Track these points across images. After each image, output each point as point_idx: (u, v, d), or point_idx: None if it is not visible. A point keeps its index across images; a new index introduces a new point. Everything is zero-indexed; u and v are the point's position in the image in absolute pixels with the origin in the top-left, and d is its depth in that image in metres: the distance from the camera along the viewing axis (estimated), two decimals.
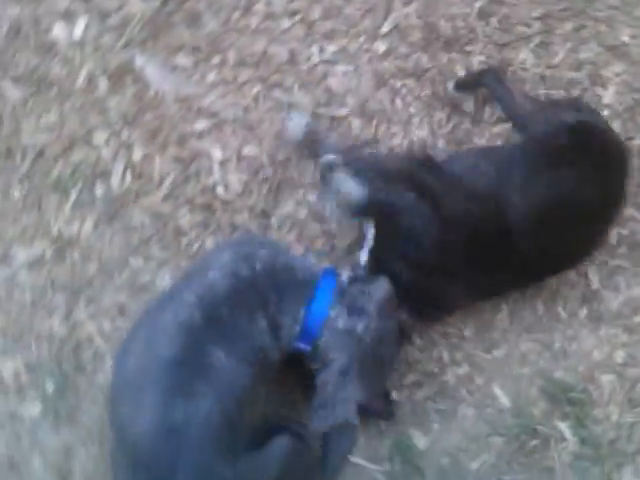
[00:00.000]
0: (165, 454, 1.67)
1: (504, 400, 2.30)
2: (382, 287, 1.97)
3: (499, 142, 2.39)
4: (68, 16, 2.38)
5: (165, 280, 2.27)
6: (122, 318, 2.26)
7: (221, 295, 1.81)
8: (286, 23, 2.44)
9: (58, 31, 2.36)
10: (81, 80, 2.36)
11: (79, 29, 2.37)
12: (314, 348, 1.91)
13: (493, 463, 2.24)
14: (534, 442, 2.25)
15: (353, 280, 2.00)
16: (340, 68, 2.42)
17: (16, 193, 2.28)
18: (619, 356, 2.32)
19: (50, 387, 2.20)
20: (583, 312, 2.35)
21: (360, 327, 1.89)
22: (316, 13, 2.46)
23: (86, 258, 2.29)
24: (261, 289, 1.85)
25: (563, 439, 2.25)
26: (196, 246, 2.29)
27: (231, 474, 1.72)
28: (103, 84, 2.36)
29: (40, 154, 2.32)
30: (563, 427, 2.26)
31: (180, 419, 1.69)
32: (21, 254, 2.27)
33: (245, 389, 1.82)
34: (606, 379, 2.30)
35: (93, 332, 2.24)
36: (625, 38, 2.51)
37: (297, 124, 2.29)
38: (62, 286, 2.28)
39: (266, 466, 1.78)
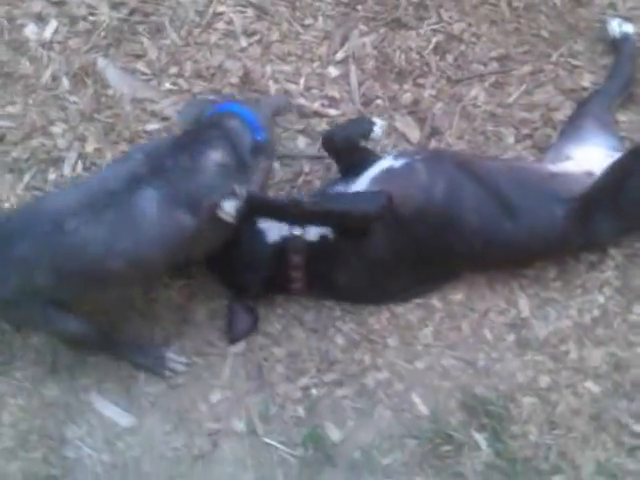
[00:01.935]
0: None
1: (422, 408, 3.44)
2: None
3: None
4: (40, 19, 3.94)
5: None
6: None
7: (166, 148, 3.22)
8: (244, 42, 3.95)
9: (30, 32, 3.91)
10: (46, 78, 3.90)
11: (49, 32, 3.93)
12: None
13: (405, 462, 3.33)
14: (447, 447, 3.33)
15: None
16: (292, 87, 3.96)
17: None
18: (543, 381, 3.44)
19: None
20: (510, 337, 3.53)
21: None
22: (274, 36, 3.96)
23: None
24: (202, 134, 3.29)
25: (477, 448, 3.33)
26: None
27: None
28: (65, 83, 3.86)
29: (0, 139, 3.83)
30: (479, 437, 3.35)
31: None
32: None
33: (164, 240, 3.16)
34: (528, 401, 3.41)
35: None
36: (585, 83, 3.87)
37: None
38: None
39: None
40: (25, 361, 3.58)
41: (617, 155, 3.47)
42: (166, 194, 3.10)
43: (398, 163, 3.52)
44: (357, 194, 3.49)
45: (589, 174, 3.47)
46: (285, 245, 3.52)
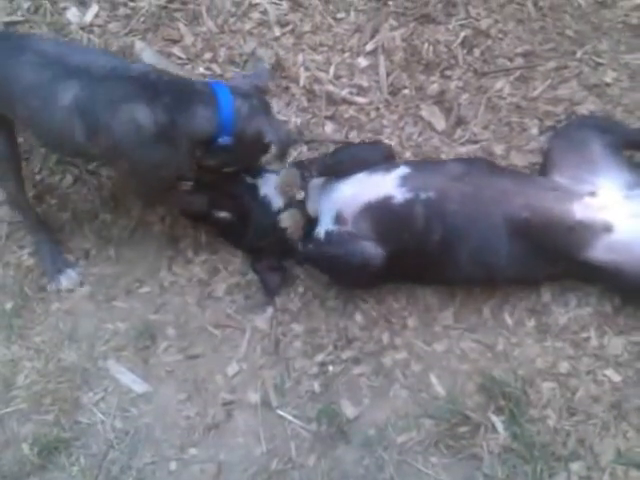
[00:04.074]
0: None
1: (439, 389, 3.00)
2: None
3: None
4: (82, 3, 3.51)
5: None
6: (86, 261, 3.25)
7: (129, 71, 2.73)
8: (277, 31, 3.48)
9: (72, 15, 3.46)
10: None
11: (90, 15, 3.49)
12: (236, 138, 2.78)
13: (420, 441, 2.92)
14: (464, 428, 2.92)
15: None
16: (322, 75, 3.45)
17: None
18: (563, 367, 3.00)
19: (8, 305, 3.17)
20: (531, 323, 3.08)
21: (255, 101, 2.84)
22: (307, 27, 3.49)
23: (61, 206, 3.33)
24: (153, 86, 2.71)
25: (494, 431, 2.91)
26: None
27: None
28: None
29: None
30: (496, 420, 2.92)
31: None
32: (2, 196, 3.27)
33: None
34: (547, 385, 2.98)
35: None
36: (608, 80, 3.39)
37: None
38: None
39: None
40: (45, 326, 3.21)
41: (634, 193, 2.97)
42: (81, 99, 2.66)
43: (400, 197, 2.97)
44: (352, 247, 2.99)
45: (607, 228, 2.93)
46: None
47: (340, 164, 3.09)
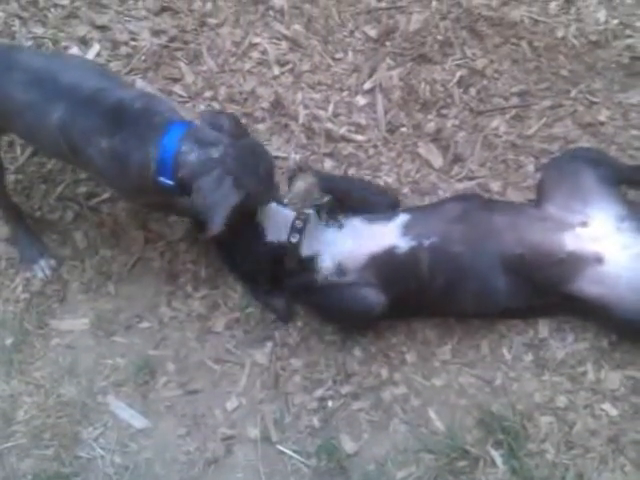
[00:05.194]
0: None
1: (438, 424, 2.95)
2: (227, 117, 2.70)
3: None
4: (84, 42, 3.48)
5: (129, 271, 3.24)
6: (85, 295, 3.21)
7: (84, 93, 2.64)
8: (277, 70, 3.46)
9: (73, 53, 3.44)
10: None
11: (91, 54, 3.45)
12: (178, 182, 2.58)
13: (419, 476, 2.86)
14: (463, 463, 2.86)
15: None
16: (321, 113, 3.43)
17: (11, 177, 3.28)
18: (560, 401, 2.96)
19: (8, 340, 3.10)
20: (528, 357, 3.03)
21: (216, 153, 2.56)
22: (306, 66, 3.46)
23: (61, 242, 3.27)
24: (120, 118, 2.61)
25: (493, 465, 2.86)
26: None
27: None
28: None
29: (35, 152, 3.36)
30: (495, 454, 2.87)
31: None
32: (2, 231, 3.26)
33: None
34: (545, 420, 2.93)
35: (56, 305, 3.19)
36: (602, 118, 3.36)
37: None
38: None
39: None
40: (45, 361, 3.14)
41: (625, 225, 2.94)
42: (64, 123, 2.65)
43: (404, 246, 2.96)
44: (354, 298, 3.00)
45: (598, 260, 2.89)
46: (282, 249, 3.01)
47: (346, 194, 3.12)
